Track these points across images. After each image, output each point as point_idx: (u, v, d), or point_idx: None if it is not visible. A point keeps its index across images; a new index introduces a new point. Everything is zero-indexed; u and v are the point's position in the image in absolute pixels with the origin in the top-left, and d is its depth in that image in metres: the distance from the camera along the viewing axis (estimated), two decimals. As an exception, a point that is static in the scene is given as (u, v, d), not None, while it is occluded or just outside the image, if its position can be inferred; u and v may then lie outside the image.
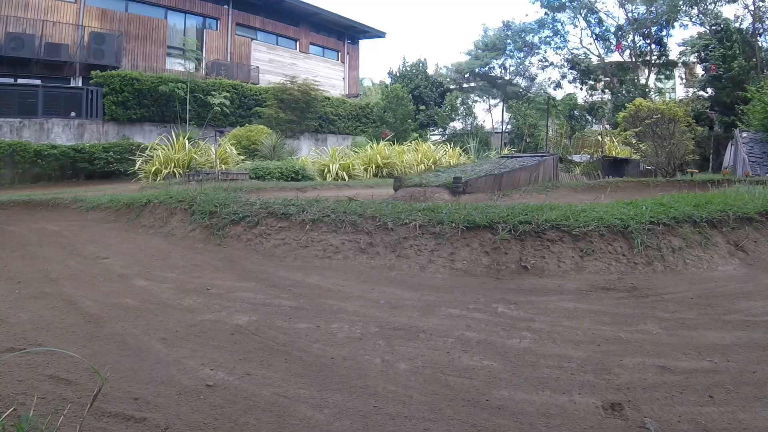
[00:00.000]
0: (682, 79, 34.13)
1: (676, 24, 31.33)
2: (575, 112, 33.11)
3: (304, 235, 6.63)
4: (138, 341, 3.74)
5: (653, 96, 31.14)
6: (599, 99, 34.69)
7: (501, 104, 38.29)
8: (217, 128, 17.60)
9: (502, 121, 36.74)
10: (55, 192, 11.82)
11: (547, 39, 36.12)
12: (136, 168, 15.06)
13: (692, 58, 31.61)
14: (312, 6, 30.06)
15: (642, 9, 31.42)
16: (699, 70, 30.91)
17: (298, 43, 30.99)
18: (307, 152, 22.95)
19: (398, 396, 2.91)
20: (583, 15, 33.72)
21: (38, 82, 19.31)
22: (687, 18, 30.98)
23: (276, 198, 8.35)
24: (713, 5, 29.57)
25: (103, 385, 2.18)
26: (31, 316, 4.29)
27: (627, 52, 33.17)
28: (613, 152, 23.31)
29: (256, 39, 28.40)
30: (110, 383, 2.88)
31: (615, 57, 34.00)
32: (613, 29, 33.42)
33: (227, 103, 18.14)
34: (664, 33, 31.94)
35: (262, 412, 2.72)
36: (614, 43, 33.22)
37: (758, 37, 27.36)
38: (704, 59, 28.17)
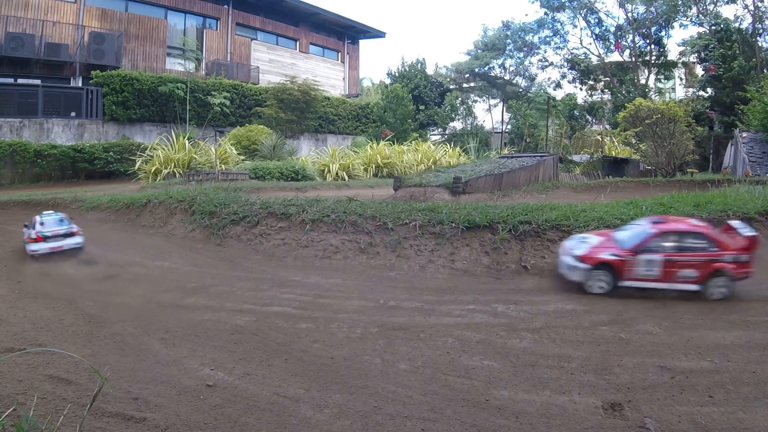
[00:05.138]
0: (681, 79, 34.14)
1: (675, 24, 31.32)
2: (575, 112, 33.07)
3: (304, 235, 6.64)
4: (138, 341, 3.74)
5: (653, 96, 31.11)
6: (599, 99, 34.63)
7: (501, 104, 38.27)
8: (217, 128, 17.59)
9: (502, 121, 36.75)
10: (55, 192, 11.82)
11: (547, 39, 36.09)
12: (136, 168, 15.04)
13: (692, 58, 31.59)
14: (312, 6, 30.04)
15: (641, 9, 31.41)
16: (699, 70, 30.92)
17: (298, 43, 30.97)
18: (307, 152, 22.94)
19: (398, 396, 2.91)
20: (582, 15, 33.70)
21: (38, 82, 19.28)
22: (686, 18, 31.01)
23: (276, 198, 8.36)
24: (713, 5, 29.60)
25: (103, 385, 2.18)
26: (31, 316, 4.29)
27: (627, 52, 33.19)
28: (613, 152, 23.30)
29: (256, 39, 28.38)
30: (110, 383, 2.88)
31: (615, 57, 33.97)
32: (612, 29, 33.43)
33: (227, 103, 18.11)
34: (663, 33, 31.95)
35: (262, 412, 2.72)
36: (614, 43, 33.22)
37: (758, 37, 27.35)
38: (704, 59, 28.16)
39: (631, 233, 5.12)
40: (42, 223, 6.13)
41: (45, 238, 5.94)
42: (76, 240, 6.17)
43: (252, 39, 28.48)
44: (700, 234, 4.81)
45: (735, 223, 5.18)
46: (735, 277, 4.66)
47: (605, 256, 4.91)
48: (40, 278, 5.53)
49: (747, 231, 4.84)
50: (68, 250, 6.02)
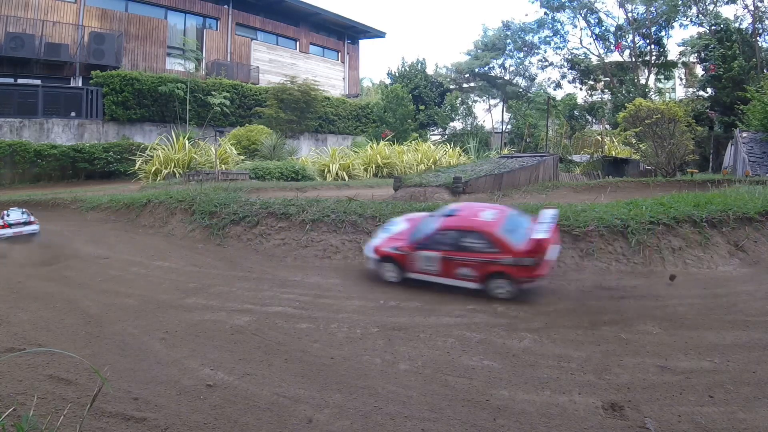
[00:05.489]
0: (681, 79, 34.13)
1: (675, 24, 31.33)
2: (575, 112, 33.06)
3: (304, 235, 6.64)
4: (138, 341, 3.75)
5: (653, 96, 31.10)
6: (599, 99, 34.62)
7: (501, 104, 38.27)
8: (217, 128, 17.58)
9: (502, 121, 36.75)
10: (55, 192, 11.82)
11: (547, 39, 36.09)
12: (136, 168, 15.05)
13: (692, 58, 31.58)
14: (312, 6, 30.06)
15: (641, 9, 31.42)
16: (699, 70, 30.93)
17: (298, 43, 30.98)
18: (307, 152, 22.94)
19: (398, 396, 2.92)
20: (582, 15, 33.70)
21: (38, 82, 19.28)
22: (686, 18, 31.01)
23: (276, 198, 8.36)
24: (713, 5, 29.58)
25: (103, 385, 2.18)
26: (31, 316, 4.29)
27: (627, 52, 33.19)
28: (613, 152, 23.31)
29: (256, 39, 28.39)
30: (110, 383, 2.89)
31: (615, 57, 33.95)
32: (612, 29, 33.43)
33: (227, 103, 18.12)
34: (663, 33, 31.96)
35: (262, 412, 2.73)
36: (614, 43, 33.21)
37: (758, 37, 27.34)
38: (704, 59, 28.18)
39: (425, 225, 5.14)
40: (8, 215, 7.71)
41: (10, 225, 7.53)
42: (33, 227, 7.73)
43: (252, 39, 28.48)
44: (481, 233, 4.62)
45: (547, 215, 4.95)
46: (517, 280, 4.45)
47: (389, 249, 5.06)
48: (40, 278, 5.54)
49: (539, 232, 4.59)
50: (27, 235, 7.57)
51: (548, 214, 4.98)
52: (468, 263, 4.59)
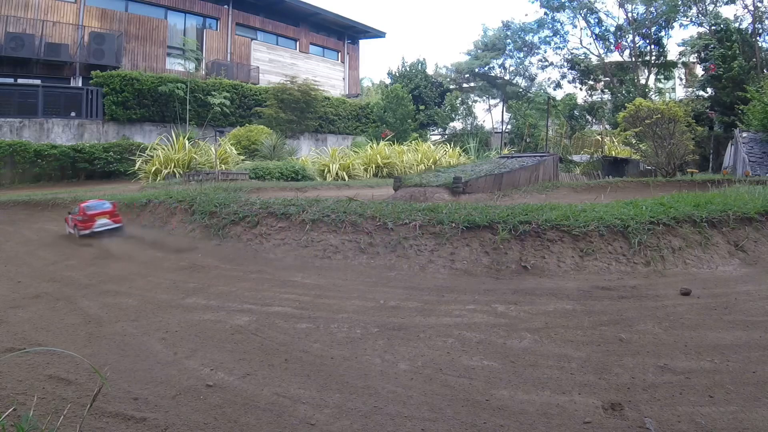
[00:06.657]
0: (681, 79, 34.10)
1: (675, 24, 31.31)
2: (575, 112, 33.05)
3: (304, 235, 6.64)
4: (138, 341, 3.75)
5: (653, 96, 31.09)
6: (599, 99, 34.62)
7: (501, 104, 38.24)
8: (217, 128, 17.58)
9: (502, 121, 36.72)
10: (55, 192, 11.82)
11: (547, 39, 36.08)
12: (136, 168, 15.04)
13: (692, 58, 31.58)
14: (312, 6, 30.08)
15: (641, 9, 31.41)
16: (699, 70, 30.92)
17: (298, 43, 31.00)
18: (307, 152, 22.92)
19: (398, 396, 2.92)
20: (582, 15, 33.70)
21: (38, 82, 19.29)
22: (686, 18, 30.99)
23: (276, 198, 8.36)
24: (713, 5, 29.55)
25: (103, 385, 2.18)
26: (31, 316, 4.30)
27: (627, 52, 33.17)
28: (613, 152, 23.28)
29: (256, 39, 28.40)
30: (110, 383, 2.88)
31: (615, 57, 33.94)
32: (612, 29, 33.41)
33: (227, 103, 18.12)
34: (663, 33, 31.94)
35: (262, 412, 2.72)
36: (614, 43, 33.17)
37: (758, 37, 27.33)
38: (704, 59, 28.19)
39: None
40: None
41: None
42: None
43: (252, 39, 28.48)
44: (78, 207, 7.87)
45: (99, 202, 8.19)
46: (79, 228, 7.65)
47: (67, 215, 8.30)
48: (40, 278, 5.54)
49: (86, 207, 7.83)
50: None
51: (100, 202, 8.18)
52: (75, 222, 7.77)
